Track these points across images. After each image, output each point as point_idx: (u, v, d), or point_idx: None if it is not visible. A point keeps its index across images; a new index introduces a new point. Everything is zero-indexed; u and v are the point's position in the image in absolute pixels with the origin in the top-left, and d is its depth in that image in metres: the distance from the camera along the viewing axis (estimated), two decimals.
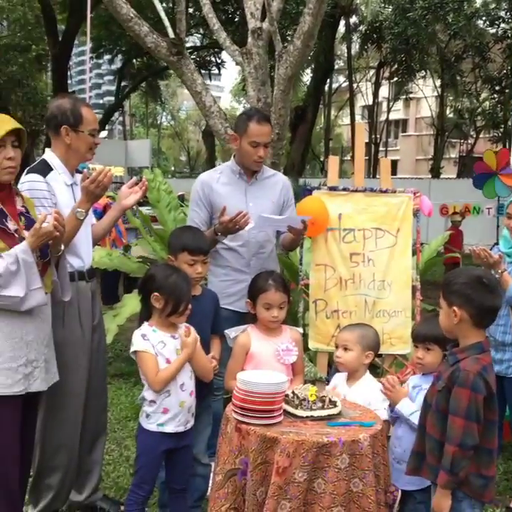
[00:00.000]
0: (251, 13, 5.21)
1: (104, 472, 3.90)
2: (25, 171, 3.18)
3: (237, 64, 5.56)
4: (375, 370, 4.29)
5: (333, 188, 4.17)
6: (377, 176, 34.45)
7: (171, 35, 5.11)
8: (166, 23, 5.15)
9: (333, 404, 2.76)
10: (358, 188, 4.17)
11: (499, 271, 3.65)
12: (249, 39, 5.19)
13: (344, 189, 4.18)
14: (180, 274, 2.99)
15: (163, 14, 5.16)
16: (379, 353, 4.09)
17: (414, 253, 4.30)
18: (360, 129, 4.39)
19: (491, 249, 3.87)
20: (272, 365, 3.12)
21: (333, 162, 4.34)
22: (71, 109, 3.17)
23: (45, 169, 3.16)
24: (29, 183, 3.09)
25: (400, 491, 2.78)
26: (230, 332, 3.28)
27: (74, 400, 3.24)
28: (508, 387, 3.77)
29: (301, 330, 3.48)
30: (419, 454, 2.56)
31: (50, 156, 3.22)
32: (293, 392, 2.79)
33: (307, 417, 2.69)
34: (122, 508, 3.49)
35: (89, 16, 4.04)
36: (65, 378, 3.09)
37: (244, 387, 2.65)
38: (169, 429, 2.91)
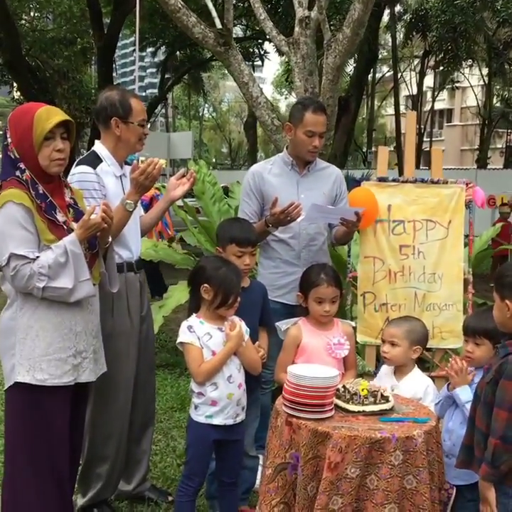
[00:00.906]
0: (299, 2, 5.13)
1: (152, 462, 3.92)
2: (76, 162, 3.20)
3: (283, 54, 5.52)
4: (424, 364, 4.22)
5: (382, 179, 4.10)
6: (422, 167, 34.00)
7: (219, 25, 5.08)
8: (214, 13, 5.12)
9: (386, 399, 2.71)
10: (408, 178, 4.09)
11: None
12: (297, 28, 5.12)
13: (394, 180, 4.10)
14: (230, 267, 2.97)
15: (210, 4, 5.13)
16: (429, 347, 4.03)
17: (466, 245, 4.19)
18: (412, 118, 4.29)
19: None
20: (323, 359, 3.08)
21: (382, 152, 4.25)
22: (120, 101, 3.17)
23: (95, 161, 3.16)
24: (79, 174, 3.10)
25: (454, 489, 2.72)
26: (281, 325, 3.25)
27: (123, 391, 3.26)
28: None
29: (353, 323, 3.43)
30: (469, 447, 2.50)
31: (99, 147, 3.23)
32: (344, 387, 2.74)
33: (359, 411, 2.64)
34: (170, 498, 3.51)
35: (138, 9, 4.02)
36: (115, 369, 3.11)
37: (296, 381, 2.61)
38: (217, 421, 2.90)
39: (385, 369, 3.22)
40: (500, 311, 2.45)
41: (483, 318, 2.76)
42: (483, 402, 2.43)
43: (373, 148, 32.84)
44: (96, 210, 2.70)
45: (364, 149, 38.27)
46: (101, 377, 2.97)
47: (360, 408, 2.65)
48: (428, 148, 38.96)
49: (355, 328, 3.48)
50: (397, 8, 25.27)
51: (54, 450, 2.82)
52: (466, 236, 4.16)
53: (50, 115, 2.69)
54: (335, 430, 2.47)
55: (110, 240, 2.91)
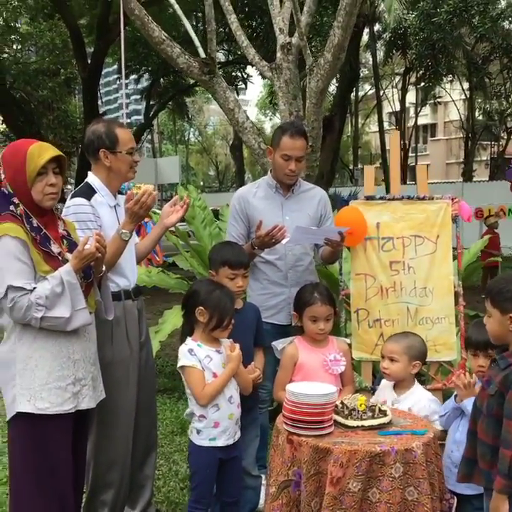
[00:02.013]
0: (280, 29, 5.26)
1: (155, 487, 3.95)
2: (70, 194, 3.27)
3: (267, 79, 5.62)
4: (420, 377, 4.28)
5: (370, 198, 4.18)
6: (408, 182, 34.24)
7: (202, 54, 5.19)
8: (197, 43, 5.23)
9: (383, 413, 2.77)
10: (395, 196, 4.17)
11: None
12: (279, 54, 5.23)
13: (381, 198, 4.19)
14: (223, 289, 3.04)
15: (193, 34, 5.25)
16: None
17: (454, 259, 4.28)
18: (396, 137, 4.39)
19: None
20: (321, 376, 3.14)
21: (368, 172, 4.34)
22: (106, 133, 3.24)
23: (89, 192, 3.23)
24: (75, 206, 3.16)
25: (455, 499, 2.77)
26: (277, 344, 3.31)
27: (124, 417, 3.30)
28: None
29: (348, 340, 3.50)
30: (470, 460, 2.56)
31: (92, 179, 3.30)
32: (342, 403, 2.81)
33: (358, 426, 2.70)
34: None
35: (123, 39, 4.10)
36: (116, 396, 3.15)
37: (294, 399, 2.68)
38: (221, 442, 2.97)
39: (385, 383, 3.28)
40: (500, 325, 2.51)
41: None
42: (487, 415, 2.48)
43: (359, 166, 33.11)
44: (89, 241, 2.77)
45: (351, 167, 38.58)
46: (103, 404, 3.01)
47: (359, 423, 2.71)
48: (413, 164, 39.37)
49: (350, 345, 3.54)
50: (377, 27, 25.70)
51: (58, 478, 2.84)
52: (455, 249, 4.24)
53: (42, 151, 2.76)
54: (335, 445, 2.53)
55: (104, 268, 2.96)
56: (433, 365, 4.14)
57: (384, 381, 3.29)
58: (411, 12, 18.56)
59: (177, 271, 6.93)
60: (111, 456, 3.30)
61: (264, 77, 5.73)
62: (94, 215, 3.17)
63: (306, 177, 4.98)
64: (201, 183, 62.19)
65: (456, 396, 2.93)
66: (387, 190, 15.04)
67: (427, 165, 54.17)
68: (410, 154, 38.95)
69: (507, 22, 19.70)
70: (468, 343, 3.06)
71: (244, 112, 5.34)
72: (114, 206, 3.33)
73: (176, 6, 5.19)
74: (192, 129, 55.69)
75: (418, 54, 18.49)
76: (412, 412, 3.03)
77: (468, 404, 2.85)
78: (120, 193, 3.44)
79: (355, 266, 4.15)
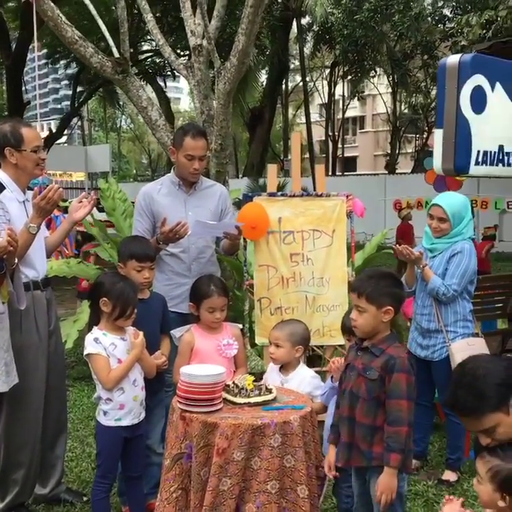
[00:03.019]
0: (191, 31, 5.48)
1: (68, 468, 4.17)
2: None
3: (183, 77, 5.84)
4: (319, 359, 4.64)
5: (272, 194, 4.49)
6: (338, 173, 34.83)
7: (116, 54, 5.36)
8: (111, 43, 5.40)
9: (269, 391, 3.08)
10: (295, 193, 4.50)
11: (421, 266, 4.03)
12: (192, 55, 5.46)
13: (282, 194, 4.51)
14: (126, 281, 3.28)
15: (107, 35, 5.40)
16: (321, 344, 4.46)
17: (350, 251, 4.64)
18: (297, 139, 4.70)
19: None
20: (215, 360, 3.42)
21: (272, 170, 4.65)
22: (11, 132, 3.41)
23: None
24: None
25: None
26: (176, 332, 3.56)
27: (34, 400, 3.50)
28: (435, 371, 4.12)
29: (240, 326, 3.78)
30: (349, 445, 2.80)
31: (1, 175, 3.46)
32: (233, 382, 3.10)
33: (244, 403, 3.00)
34: (85, 498, 3.77)
35: (36, 36, 4.19)
36: (25, 380, 3.35)
37: (187, 379, 2.95)
38: (126, 422, 3.21)
39: (272, 367, 3.59)
40: (373, 318, 2.74)
41: None
42: (368, 399, 2.72)
43: (289, 157, 33.59)
44: (1, 235, 2.95)
45: (282, 157, 39.06)
46: (13, 388, 3.22)
47: (246, 400, 3.01)
48: (341, 155, 40.13)
49: (242, 330, 3.84)
50: (306, 19, 26.12)
51: None
52: (350, 243, 4.61)
53: None
54: (222, 420, 2.82)
55: (16, 261, 3.15)
56: (328, 348, 4.51)
57: (271, 365, 3.60)
58: (335, 8, 19.00)
59: (97, 261, 7.09)
60: (21, 437, 3.50)
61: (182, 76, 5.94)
62: (3, 210, 3.33)
63: (216, 173, 5.25)
64: (134, 171, 61.59)
65: (332, 377, 3.26)
66: (313, 182, 15.50)
67: (355, 156, 55.04)
68: (339, 146, 39.74)
69: (429, 19, 20.46)
70: (342, 329, 3.39)
71: (157, 109, 5.54)
72: (24, 201, 3.50)
73: (91, 6, 5.34)
74: (124, 117, 54.99)
75: (343, 49, 18.98)
76: (299, 389, 3.34)
77: None
78: (29, 188, 3.62)
79: (258, 258, 4.46)
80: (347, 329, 3.33)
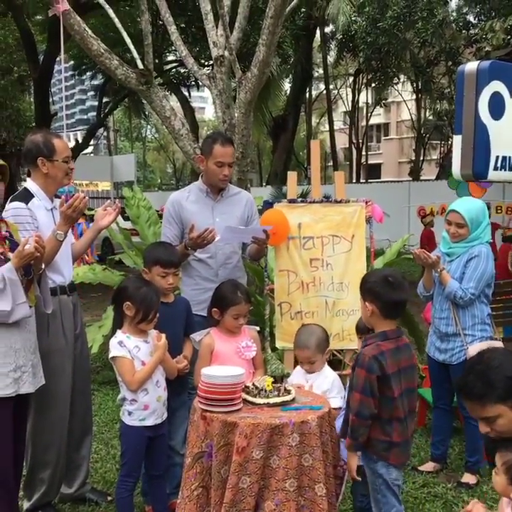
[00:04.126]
0: (213, 42, 5.60)
1: (93, 469, 4.28)
2: (9, 199, 3.56)
3: (206, 87, 5.96)
4: (339, 364, 4.71)
5: (292, 201, 4.58)
6: (362, 181, 34.65)
7: (140, 66, 5.49)
8: (135, 55, 5.53)
9: (288, 392, 3.15)
10: (315, 199, 4.58)
11: (438, 270, 4.07)
12: (214, 65, 5.58)
13: (302, 201, 4.59)
14: (150, 286, 3.37)
15: (132, 47, 5.54)
16: (341, 348, 4.52)
17: (369, 256, 4.70)
18: (316, 146, 4.78)
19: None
20: (235, 361, 3.49)
21: (291, 178, 4.74)
22: (43, 142, 3.55)
23: (27, 196, 3.53)
24: (13, 210, 3.46)
25: None
26: (195, 336, 3.65)
27: (60, 402, 3.62)
28: (453, 375, 4.14)
29: (257, 328, 3.85)
30: (347, 422, 2.99)
31: (30, 184, 3.60)
32: (253, 384, 3.19)
33: (264, 403, 3.07)
34: (109, 498, 3.87)
35: (62, 49, 4.29)
36: (52, 382, 3.47)
37: (208, 380, 3.04)
38: (150, 422, 3.31)
39: (298, 369, 3.67)
40: (363, 311, 3.00)
41: None
42: (349, 388, 2.96)
43: None
44: (29, 241, 3.07)
45: (305, 165, 39.12)
46: (40, 390, 3.33)
47: (265, 400, 3.09)
48: (365, 162, 40.03)
49: (260, 332, 3.91)
50: (330, 27, 26.21)
51: (1, 458, 3.16)
52: (369, 249, 4.67)
53: None
54: (241, 420, 2.90)
55: (43, 266, 3.27)
56: (348, 352, 4.56)
57: (298, 367, 3.68)
58: (358, 16, 19.05)
59: (122, 268, 7.23)
60: (48, 438, 3.61)
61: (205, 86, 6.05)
62: (32, 217, 3.46)
63: (238, 181, 5.35)
64: (159, 181, 62.12)
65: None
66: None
67: (380, 164, 54.78)
68: (363, 153, 39.69)
69: (453, 25, 20.41)
70: (356, 328, 3.49)
71: (180, 119, 5.66)
72: (51, 209, 3.63)
73: (116, 20, 5.48)
74: (149, 127, 55.55)
75: (366, 57, 19.02)
76: (321, 388, 3.43)
77: None
78: (57, 196, 3.74)
79: (278, 263, 4.54)
80: (357, 328, 3.47)
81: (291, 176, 4.74)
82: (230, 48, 5.32)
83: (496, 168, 4.37)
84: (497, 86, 4.36)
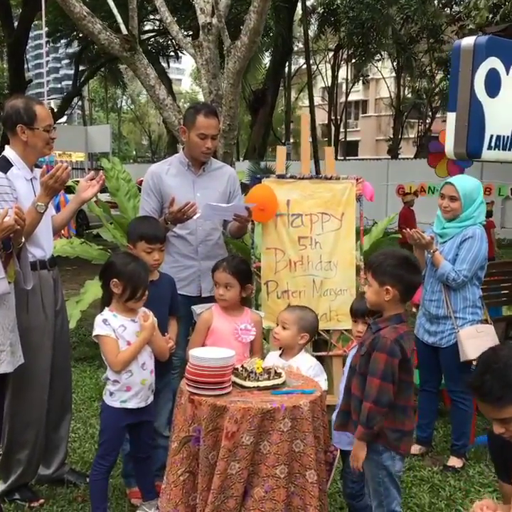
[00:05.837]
0: (201, 9, 5.39)
1: (71, 448, 4.15)
2: None
3: (190, 55, 5.75)
4: (325, 344, 4.61)
5: (281, 176, 4.44)
6: (340, 158, 34.52)
7: (124, 31, 5.27)
8: (119, 19, 5.31)
9: (278, 375, 3.04)
10: (304, 175, 4.44)
11: (431, 251, 3.98)
12: (200, 33, 5.38)
13: (291, 177, 4.45)
14: (138, 262, 3.22)
15: (116, 11, 5.31)
16: (327, 328, 4.42)
17: (358, 235, 4.59)
18: (306, 120, 4.64)
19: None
20: (230, 343, 3.38)
21: (280, 152, 4.59)
22: (24, 108, 3.34)
23: (5, 165, 3.33)
24: None
25: (338, 450, 3.09)
26: (197, 308, 3.53)
27: (39, 380, 3.47)
28: (443, 358, 4.09)
29: (262, 314, 3.74)
30: (345, 412, 2.87)
31: (9, 152, 3.40)
32: (242, 366, 3.06)
33: (254, 387, 2.96)
34: (88, 479, 3.74)
35: (44, 13, 4.08)
36: (31, 360, 3.31)
37: (196, 362, 2.91)
38: (131, 405, 3.18)
39: (272, 353, 3.55)
40: (377, 295, 2.80)
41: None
42: (358, 373, 2.79)
43: (291, 140, 33.43)
44: (9, 213, 2.90)
45: (283, 140, 38.84)
46: (18, 368, 3.18)
47: (255, 384, 2.97)
48: (343, 139, 39.91)
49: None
50: (311, 1, 25.86)
51: None
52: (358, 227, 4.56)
53: None
54: (231, 404, 2.79)
55: (23, 240, 3.10)
56: (335, 333, 4.47)
57: (271, 352, 3.56)
58: None
59: (100, 242, 7.05)
60: (26, 417, 3.47)
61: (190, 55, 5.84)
62: (10, 187, 3.28)
63: (223, 154, 5.19)
64: (134, 153, 61.34)
65: None
66: (316, 165, 15.41)
67: (357, 141, 54.80)
68: (341, 130, 39.54)
69: (435, 2, 20.23)
70: (350, 311, 3.37)
71: (164, 88, 5.47)
72: (31, 179, 3.44)
73: None
74: (125, 97, 54.67)
75: (348, 32, 18.79)
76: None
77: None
78: (37, 166, 3.56)
79: (266, 240, 4.41)
80: (354, 312, 3.32)
81: (280, 150, 4.60)
82: (219, 15, 5.12)
83: (489, 148, 4.27)
84: (494, 62, 4.24)
